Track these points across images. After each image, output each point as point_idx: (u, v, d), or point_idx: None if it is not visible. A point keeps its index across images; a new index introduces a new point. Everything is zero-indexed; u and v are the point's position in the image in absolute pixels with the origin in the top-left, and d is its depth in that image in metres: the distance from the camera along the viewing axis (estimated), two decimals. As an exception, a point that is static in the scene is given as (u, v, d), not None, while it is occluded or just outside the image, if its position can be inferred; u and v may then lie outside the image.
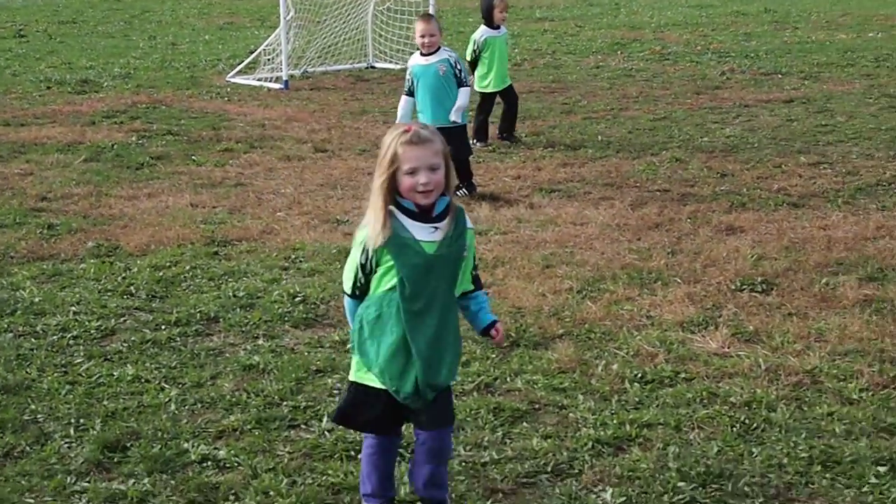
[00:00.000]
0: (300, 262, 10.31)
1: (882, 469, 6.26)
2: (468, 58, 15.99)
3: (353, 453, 6.46)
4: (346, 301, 5.57)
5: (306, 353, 8.07)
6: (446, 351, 5.43)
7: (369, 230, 5.28)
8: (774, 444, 6.59)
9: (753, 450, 6.53)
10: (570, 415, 7.07)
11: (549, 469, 6.37)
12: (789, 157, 14.63)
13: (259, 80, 21.86)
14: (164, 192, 13.18)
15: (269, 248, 10.78)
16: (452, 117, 12.77)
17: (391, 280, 5.32)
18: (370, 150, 15.59)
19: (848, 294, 9.22)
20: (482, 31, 15.99)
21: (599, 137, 16.18)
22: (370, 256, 5.31)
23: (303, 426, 6.91)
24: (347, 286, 5.47)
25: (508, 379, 7.59)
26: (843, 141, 15.75)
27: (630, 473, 6.26)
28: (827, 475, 6.22)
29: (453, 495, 5.98)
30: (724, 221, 11.57)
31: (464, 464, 6.34)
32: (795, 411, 7.06)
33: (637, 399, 7.29)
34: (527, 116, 16.25)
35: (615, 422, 6.89)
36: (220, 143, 15.99)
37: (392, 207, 5.28)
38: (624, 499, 5.96)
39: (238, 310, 9.00)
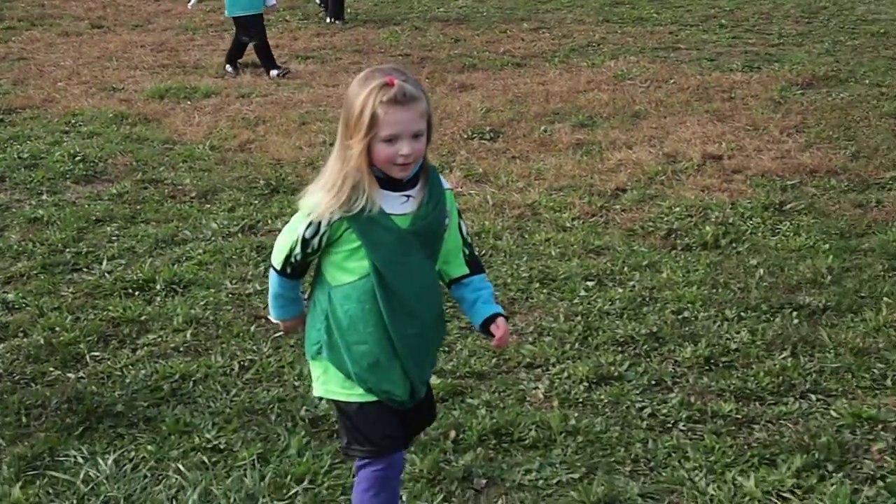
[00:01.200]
0: (80, 126, 10.02)
1: (590, 284, 6.48)
2: None
3: (130, 290, 6.38)
4: (273, 277, 3.85)
5: (87, 206, 7.88)
6: (434, 341, 3.88)
7: (328, 198, 3.56)
8: (500, 267, 6.75)
9: (482, 272, 6.68)
10: (325, 249, 7.09)
11: (307, 296, 6.39)
12: (514, 24, 14.78)
13: (37, -37, 20.90)
14: (-50, 66, 12.62)
15: (51, 115, 10.44)
16: (273, 2, 12.53)
17: (360, 266, 3.64)
18: (143, 26, 15.21)
19: (563, 139, 9.44)
20: None
21: (349, 10, 16.03)
22: (321, 232, 3.58)
23: (85, 269, 6.77)
24: (277, 260, 3.75)
25: (269, 221, 7.56)
26: (559, 9, 15.99)
27: (376, 297, 6.32)
28: (544, 291, 6.41)
29: (221, 322, 5.97)
30: (457, 80, 11.67)
31: (230, 295, 6.32)
32: (518, 239, 7.24)
33: (382, 234, 7.34)
34: (284, -8, 16.01)
35: (363, 254, 6.94)
36: (1, 22, 15.34)
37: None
38: (371, 318, 6.03)
39: (23, 169, 8.71)
